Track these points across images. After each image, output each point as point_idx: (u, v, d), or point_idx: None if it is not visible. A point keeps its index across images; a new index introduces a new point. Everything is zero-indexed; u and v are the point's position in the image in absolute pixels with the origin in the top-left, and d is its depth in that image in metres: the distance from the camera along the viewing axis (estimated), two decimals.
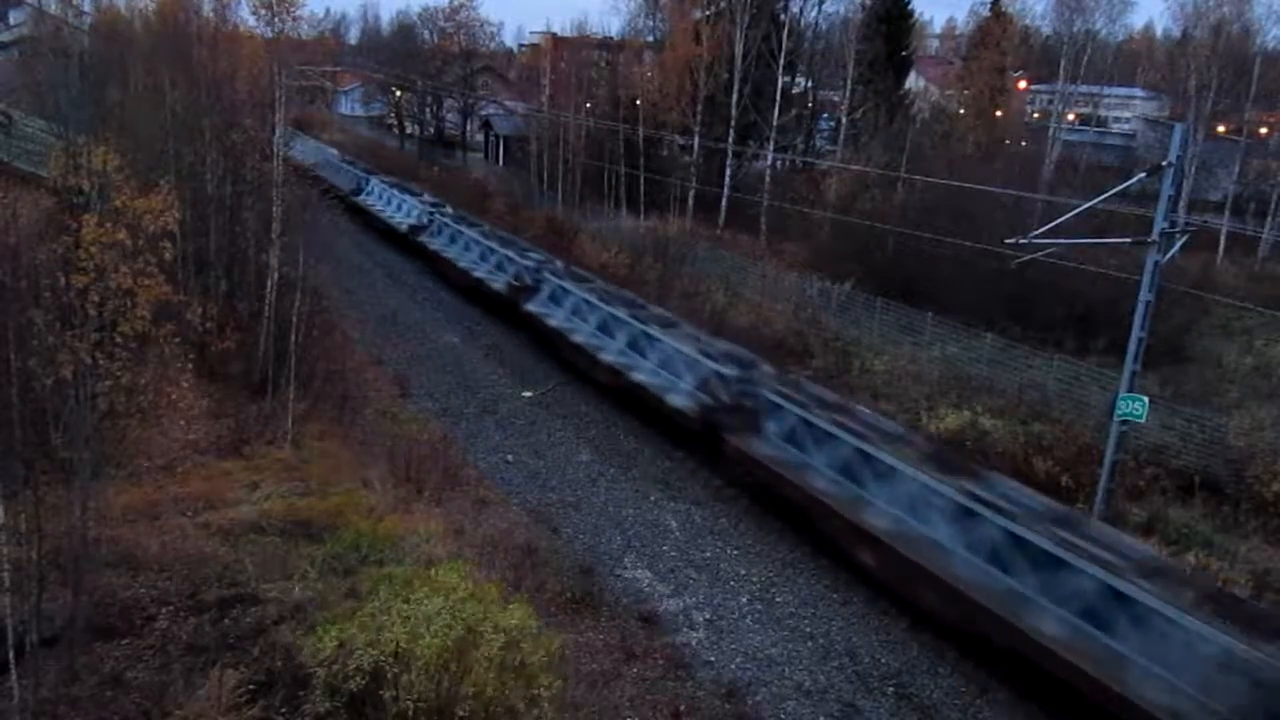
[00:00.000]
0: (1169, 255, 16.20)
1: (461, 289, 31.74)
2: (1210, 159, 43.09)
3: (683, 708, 11.81)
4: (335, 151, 55.32)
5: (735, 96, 41.50)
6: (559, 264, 29.77)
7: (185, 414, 17.20)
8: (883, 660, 13.42)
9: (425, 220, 36.98)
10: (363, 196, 43.63)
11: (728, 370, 19.56)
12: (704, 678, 12.65)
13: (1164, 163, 15.73)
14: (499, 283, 29.22)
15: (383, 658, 9.33)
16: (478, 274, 30.56)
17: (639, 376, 21.17)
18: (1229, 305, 26.49)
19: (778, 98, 41.99)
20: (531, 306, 26.55)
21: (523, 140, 51.22)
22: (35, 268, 13.07)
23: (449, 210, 38.26)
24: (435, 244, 34.63)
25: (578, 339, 23.83)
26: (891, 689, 12.81)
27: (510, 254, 30.50)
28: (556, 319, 25.35)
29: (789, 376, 20.13)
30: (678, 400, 19.60)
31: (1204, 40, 41.96)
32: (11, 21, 52.53)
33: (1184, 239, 17.09)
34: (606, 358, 22.43)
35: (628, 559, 15.74)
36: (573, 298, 25.68)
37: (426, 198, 41.04)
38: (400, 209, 40.35)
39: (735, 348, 21.57)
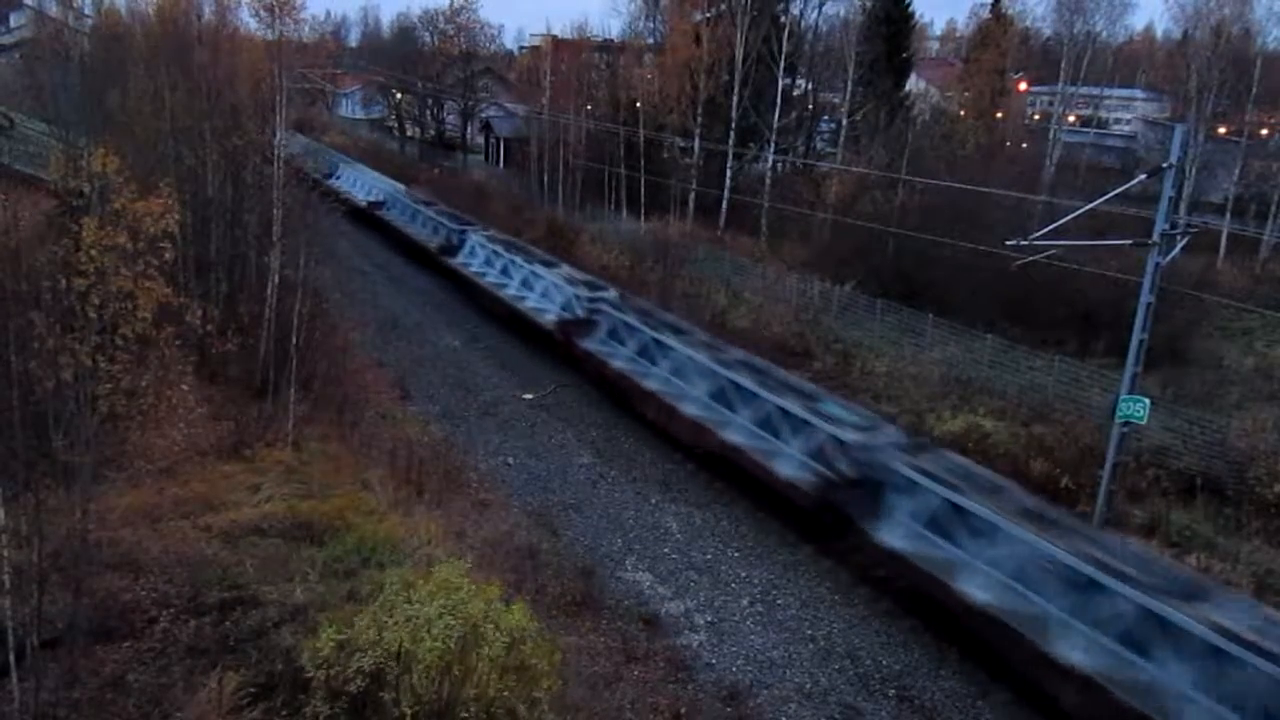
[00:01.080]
0: (1170, 256, 16.19)
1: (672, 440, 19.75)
2: (1211, 160, 43.05)
3: (684, 710, 11.79)
4: (403, 187, 43.84)
5: (735, 98, 41.50)
6: (893, 430, 17.20)
7: (186, 416, 17.17)
8: (884, 662, 13.41)
9: (580, 311, 24.87)
10: (461, 258, 32.23)
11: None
12: (705, 680, 12.64)
13: (1165, 164, 15.71)
14: (789, 467, 16.70)
15: (384, 659, 9.32)
16: (728, 437, 17.95)
17: None
18: (1230, 306, 26.47)
19: (778, 99, 42.02)
20: (895, 542, 14.44)
21: (523, 142, 51.26)
22: (36, 270, 13.08)
23: (612, 295, 25.64)
24: (619, 360, 22.09)
25: (1058, 658, 11.91)
26: (893, 691, 12.79)
27: (783, 403, 17.92)
28: (965, 577, 13.53)
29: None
30: None
31: (1204, 41, 41.92)
32: (12, 24, 52.62)
33: (1185, 240, 17.08)
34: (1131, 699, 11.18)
35: (629, 561, 15.73)
36: (1007, 542, 13.57)
37: (566, 269, 28.59)
38: (529, 286, 28.14)
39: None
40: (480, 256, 31.49)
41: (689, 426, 19.06)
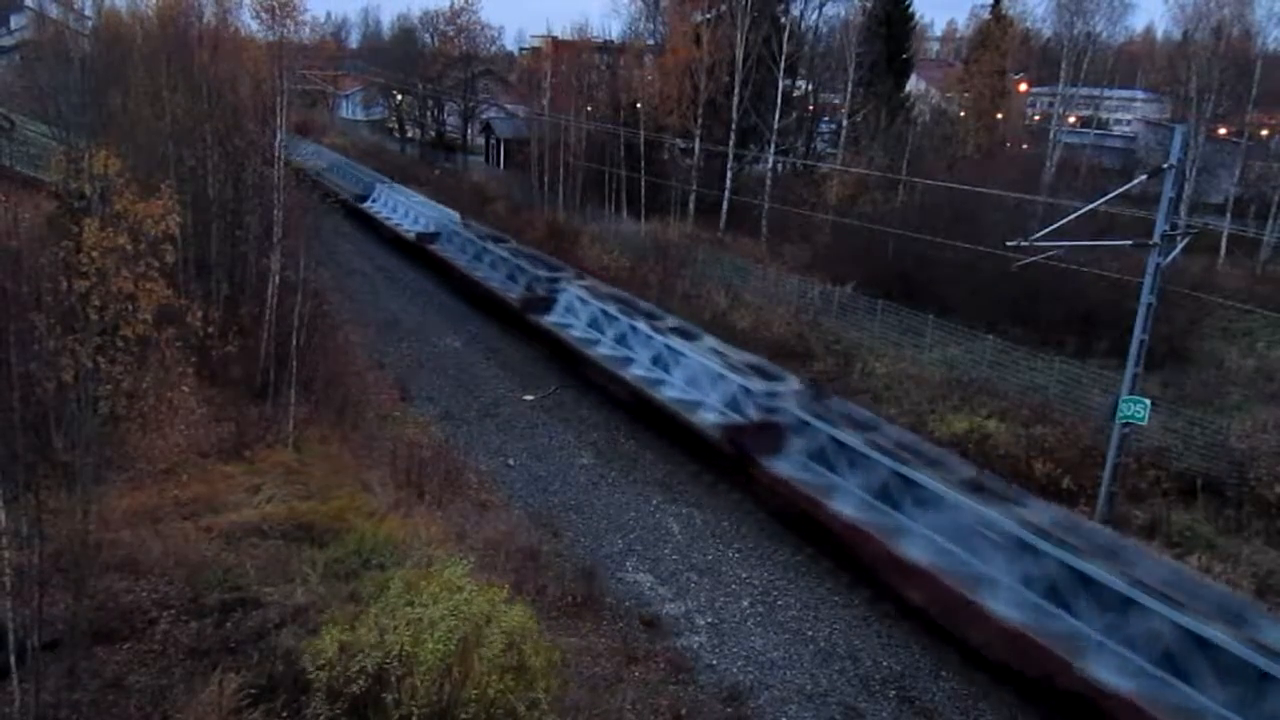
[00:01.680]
0: (1170, 257, 16.20)
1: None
2: (1211, 161, 43.05)
3: (684, 711, 11.78)
4: (456, 215, 37.94)
5: (736, 99, 41.50)
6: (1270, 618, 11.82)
7: (186, 418, 17.19)
8: (885, 663, 13.40)
9: (753, 412, 18.46)
10: (556, 317, 25.66)
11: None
12: (706, 681, 12.64)
13: (1165, 165, 15.72)
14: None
15: (386, 660, 9.33)
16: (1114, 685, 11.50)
17: None
18: (1230, 307, 26.46)
19: (778, 101, 42.02)
20: None
21: (523, 143, 51.26)
22: (37, 272, 13.10)
23: (794, 387, 19.20)
24: (845, 504, 15.64)
25: None
26: (894, 692, 12.79)
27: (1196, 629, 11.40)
28: None
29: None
30: None
31: (1205, 42, 41.94)
32: (13, 25, 52.65)
33: (1185, 241, 17.09)
34: None
35: (629, 562, 15.73)
36: None
37: (712, 341, 22.00)
38: (663, 365, 21.58)
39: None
40: (583, 316, 24.90)
41: (1008, 639, 12.47)
